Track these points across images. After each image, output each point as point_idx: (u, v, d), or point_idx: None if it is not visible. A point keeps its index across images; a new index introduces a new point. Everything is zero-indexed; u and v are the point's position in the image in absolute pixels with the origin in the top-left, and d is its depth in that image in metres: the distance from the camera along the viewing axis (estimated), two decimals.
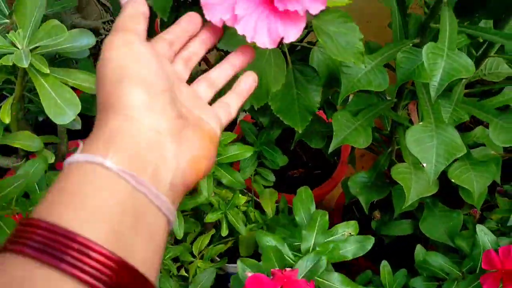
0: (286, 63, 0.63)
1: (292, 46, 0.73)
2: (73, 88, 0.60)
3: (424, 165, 0.59)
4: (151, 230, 0.29)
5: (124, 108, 0.31)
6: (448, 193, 0.82)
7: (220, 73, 0.43)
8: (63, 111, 0.56)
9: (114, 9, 0.66)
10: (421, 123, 0.60)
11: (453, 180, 0.68)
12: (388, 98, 0.87)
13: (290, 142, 0.94)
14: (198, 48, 0.42)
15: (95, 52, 1.19)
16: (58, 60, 0.76)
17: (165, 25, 0.72)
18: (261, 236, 0.66)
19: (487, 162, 0.69)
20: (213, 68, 0.43)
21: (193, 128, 0.35)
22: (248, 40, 0.40)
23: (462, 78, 0.63)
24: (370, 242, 0.66)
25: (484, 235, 0.62)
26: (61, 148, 0.76)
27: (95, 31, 1.14)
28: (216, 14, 0.39)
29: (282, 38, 0.39)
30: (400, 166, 0.72)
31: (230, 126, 1.12)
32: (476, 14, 0.65)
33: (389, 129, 0.90)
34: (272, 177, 0.95)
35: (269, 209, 0.92)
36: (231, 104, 0.42)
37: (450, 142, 0.59)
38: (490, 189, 0.77)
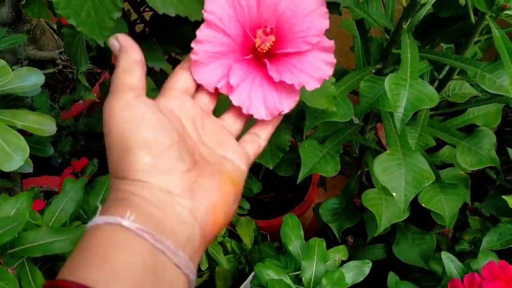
0: None
1: None
2: (23, 130, 0.57)
3: (394, 194, 0.57)
4: None
5: (133, 174, 0.31)
6: (420, 213, 0.81)
7: None
8: (10, 157, 0.52)
9: (66, 44, 0.63)
10: (387, 151, 0.59)
11: (423, 205, 0.67)
12: (355, 120, 0.86)
13: (259, 168, 0.92)
14: None
15: (53, 83, 1.15)
16: (9, 97, 0.72)
17: None
18: (261, 270, 0.63)
19: (457, 185, 0.68)
20: None
21: (210, 174, 0.34)
22: (244, 111, 0.38)
23: None
24: (368, 266, 0.65)
25: (451, 262, 0.60)
26: (16, 191, 0.72)
27: (52, 62, 1.10)
28: (205, 77, 0.37)
29: (279, 112, 0.38)
30: (370, 192, 0.71)
31: None
32: (436, 38, 0.65)
33: (357, 151, 0.89)
34: (247, 205, 0.93)
35: (247, 239, 0.89)
36: (261, 134, 0.40)
37: (418, 170, 0.58)
38: (461, 206, 0.76)
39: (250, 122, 0.40)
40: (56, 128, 0.58)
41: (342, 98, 0.57)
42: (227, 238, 0.84)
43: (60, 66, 1.11)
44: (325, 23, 0.37)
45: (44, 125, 0.57)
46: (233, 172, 0.35)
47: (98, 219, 0.29)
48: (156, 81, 0.68)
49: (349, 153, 0.91)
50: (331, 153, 0.69)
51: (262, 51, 0.38)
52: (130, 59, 0.35)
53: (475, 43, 0.63)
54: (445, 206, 0.67)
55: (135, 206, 0.30)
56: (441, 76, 0.69)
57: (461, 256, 0.77)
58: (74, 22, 0.46)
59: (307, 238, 1.11)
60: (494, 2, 0.52)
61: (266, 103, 0.38)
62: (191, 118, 0.36)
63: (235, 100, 0.38)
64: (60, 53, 1.10)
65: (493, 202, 0.70)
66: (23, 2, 0.51)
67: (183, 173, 0.32)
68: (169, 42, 0.70)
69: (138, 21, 0.77)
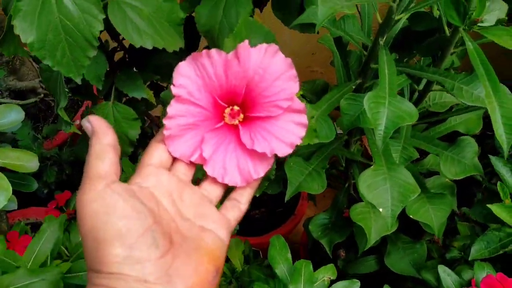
0: None
1: None
2: (4, 168, 0.56)
3: (381, 209, 0.57)
4: None
5: (107, 267, 0.31)
6: (409, 221, 0.82)
7: None
8: None
9: (44, 80, 0.62)
10: (372, 167, 0.59)
11: (411, 216, 0.68)
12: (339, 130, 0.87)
13: None
14: None
15: (35, 112, 1.15)
16: None
17: (102, 93, 0.69)
18: None
19: (444, 195, 0.68)
20: None
21: (186, 255, 0.34)
22: (219, 180, 0.39)
23: None
24: (356, 285, 0.65)
25: (447, 276, 0.61)
26: (1, 226, 0.71)
27: (33, 91, 1.09)
28: (179, 149, 0.38)
29: (254, 179, 0.39)
30: (358, 206, 0.71)
31: None
32: (413, 51, 0.66)
33: (344, 164, 0.89)
34: (236, 226, 0.92)
35: (237, 261, 0.88)
36: (240, 199, 0.40)
37: (403, 184, 0.58)
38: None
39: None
40: (38, 164, 0.57)
41: (323, 118, 0.58)
42: None
43: (42, 95, 1.10)
44: (295, 87, 0.37)
45: (26, 161, 0.56)
46: (213, 245, 0.35)
47: None
48: (137, 110, 0.68)
49: (336, 166, 0.91)
50: (317, 170, 0.69)
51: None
52: (103, 143, 0.35)
53: (452, 53, 0.64)
54: (432, 216, 0.67)
55: None
56: (420, 87, 0.69)
57: (452, 263, 0.77)
58: (49, 62, 0.46)
59: (299, 254, 1.11)
60: (467, 16, 0.53)
61: (241, 170, 0.38)
62: (168, 192, 0.36)
63: (209, 171, 0.38)
64: (41, 81, 1.10)
65: (480, 210, 0.71)
66: None
67: (158, 259, 0.32)
68: (149, 68, 0.70)
69: (118, 49, 0.77)
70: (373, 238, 0.69)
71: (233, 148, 0.38)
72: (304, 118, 0.38)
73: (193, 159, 0.38)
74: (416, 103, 0.71)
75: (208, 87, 0.37)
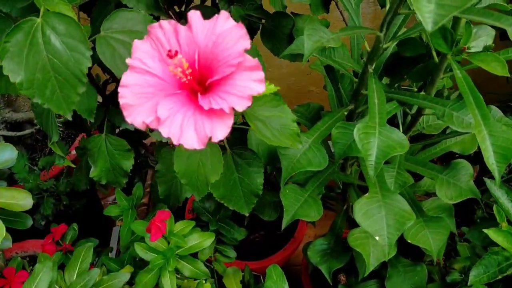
0: (224, 148, 0.62)
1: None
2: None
3: (377, 238, 0.57)
4: None
5: None
6: (408, 243, 0.81)
7: None
8: None
9: (37, 116, 0.63)
10: (367, 194, 0.59)
11: (409, 241, 0.67)
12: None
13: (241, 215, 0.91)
14: None
15: (32, 143, 1.15)
16: None
17: (94, 126, 0.69)
18: None
19: (441, 218, 0.68)
20: None
21: None
22: (175, 142, 0.38)
23: None
24: None
25: None
26: None
27: (30, 122, 1.10)
28: (138, 117, 0.38)
29: (210, 138, 0.38)
30: (355, 232, 0.70)
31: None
32: (404, 76, 0.66)
33: (341, 187, 0.89)
34: (233, 253, 0.91)
35: None
36: None
37: (399, 211, 0.58)
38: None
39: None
40: (32, 202, 0.57)
41: (316, 146, 0.58)
42: None
43: (38, 126, 1.10)
44: (244, 44, 0.37)
45: (20, 200, 0.56)
46: None
47: None
48: (130, 140, 0.68)
49: (333, 189, 0.91)
50: (313, 197, 0.68)
51: (190, 81, 0.39)
52: None
53: (442, 78, 0.64)
54: (431, 241, 0.67)
55: None
56: (413, 111, 0.70)
57: (453, 286, 0.76)
58: (39, 100, 0.46)
59: (301, 276, 1.10)
60: (454, 44, 0.53)
61: (197, 131, 0.37)
62: None
63: (165, 131, 0.37)
64: None
65: (478, 234, 0.70)
66: None
67: None
68: None
69: (110, 81, 0.77)
70: (372, 264, 0.68)
71: (192, 114, 0.38)
72: (260, 75, 0.37)
73: (148, 121, 0.37)
74: (409, 127, 0.72)
75: (164, 58, 0.38)
